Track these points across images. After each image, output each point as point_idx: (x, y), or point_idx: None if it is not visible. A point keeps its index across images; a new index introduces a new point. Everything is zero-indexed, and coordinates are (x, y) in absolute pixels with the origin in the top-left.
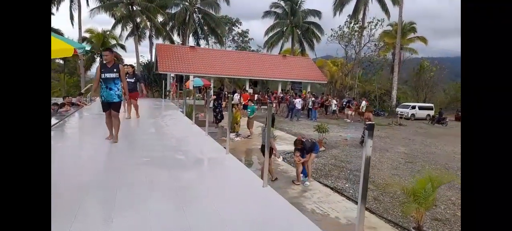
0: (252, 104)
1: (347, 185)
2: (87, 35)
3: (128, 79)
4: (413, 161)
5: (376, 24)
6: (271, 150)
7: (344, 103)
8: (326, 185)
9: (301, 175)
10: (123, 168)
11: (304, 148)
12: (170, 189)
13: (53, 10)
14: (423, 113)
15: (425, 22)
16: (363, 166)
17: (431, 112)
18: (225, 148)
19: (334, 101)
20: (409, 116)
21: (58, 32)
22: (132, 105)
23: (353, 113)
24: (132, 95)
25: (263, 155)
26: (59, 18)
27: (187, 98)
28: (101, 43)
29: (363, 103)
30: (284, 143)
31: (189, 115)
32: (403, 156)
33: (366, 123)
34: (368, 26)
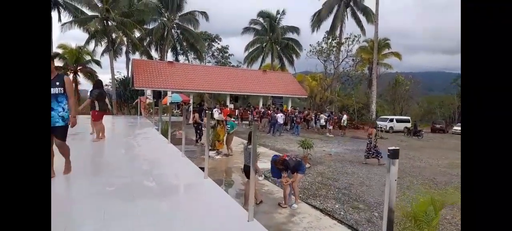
0: (232, 119)
1: (337, 206)
2: (60, 51)
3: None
4: (400, 176)
5: (353, 40)
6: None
7: (326, 117)
8: (315, 207)
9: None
10: (80, 199)
11: (287, 167)
12: (137, 225)
13: None
14: (401, 126)
15: (395, 40)
16: (387, 199)
17: (408, 125)
18: (203, 170)
19: (324, 116)
20: (388, 128)
21: None
22: (96, 125)
23: (332, 128)
24: (92, 115)
25: (246, 176)
26: None
27: (164, 115)
28: (75, 59)
29: (344, 117)
30: (268, 160)
31: (164, 133)
32: None
33: (370, 138)
34: (346, 42)
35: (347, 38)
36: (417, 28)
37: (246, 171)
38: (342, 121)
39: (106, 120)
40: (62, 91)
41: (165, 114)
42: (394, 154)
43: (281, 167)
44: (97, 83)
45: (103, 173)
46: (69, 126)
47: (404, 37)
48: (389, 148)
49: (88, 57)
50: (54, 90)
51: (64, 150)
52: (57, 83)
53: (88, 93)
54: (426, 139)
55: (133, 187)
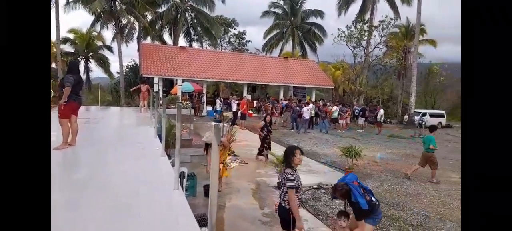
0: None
1: None
2: (70, 35)
3: None
4: None
5: (388, 24)
6: (289, 222)
7: (357, 111)
8: None
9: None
10: None
11: (353, 207)
12: None
13: None
14: (435, 120)
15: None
16: None
17: (443, 120)
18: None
19: (382, 111)
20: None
21: None
22: (63, 124)
23: (366, 123)
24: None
25: (283, 226)
26: None
27: (171, 107)
28: (86, 44)
29: (381, 112)
30: (300, 171)
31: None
32: None
33: None
34: (380, 26)
35: (381, 22)
36: (441, 16)
37: (282, 215)
38: (379, 116)
39: (100, 113)
40: None
41: (173, 106)
42: None
43: (342, 200)
44: (72, 66)
45: None
46: None
47: (428, 26)
48: None
49: (100, 43)
50: None
51: None
52: None
53: (64, 78)
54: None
55: None
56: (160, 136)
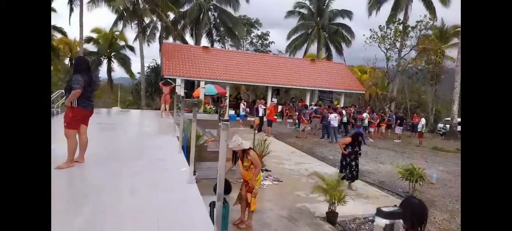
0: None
1: None
2: (94, 35)
3: None
4: None
5: (426, 25)
6: None
7: (392, 119)
8: None
9: None
10: None
11: None
12: None
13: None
14: None
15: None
16: None
17: None
18: None
19: (424, 121)
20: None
21: (61, 31)
22: (70, 137)
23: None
24: (66, 118)
25: None
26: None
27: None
28: (109, 44)
29: (423, 121)
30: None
31: (189, 147)
32: None
33: None
34: (417, 26)
35: (419, 22)
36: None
37: None
38: (421, 126)
39: (117, 118)
40: None
41: (198, 110)
42: None
43: None
44: (80, 63)
45: None
46: None
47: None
48: None
49: (122, 43)
50: None
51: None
52: None
53: (71, 79)
54: None
55: None
56: (184, 148)
